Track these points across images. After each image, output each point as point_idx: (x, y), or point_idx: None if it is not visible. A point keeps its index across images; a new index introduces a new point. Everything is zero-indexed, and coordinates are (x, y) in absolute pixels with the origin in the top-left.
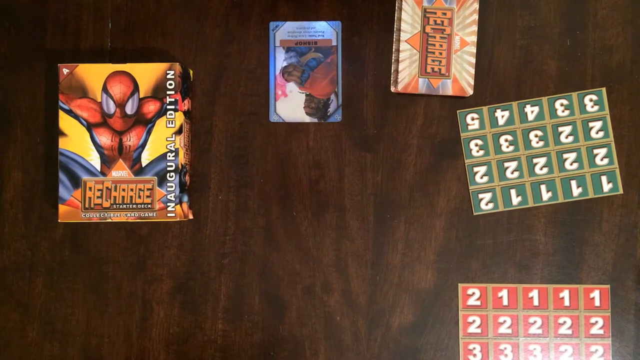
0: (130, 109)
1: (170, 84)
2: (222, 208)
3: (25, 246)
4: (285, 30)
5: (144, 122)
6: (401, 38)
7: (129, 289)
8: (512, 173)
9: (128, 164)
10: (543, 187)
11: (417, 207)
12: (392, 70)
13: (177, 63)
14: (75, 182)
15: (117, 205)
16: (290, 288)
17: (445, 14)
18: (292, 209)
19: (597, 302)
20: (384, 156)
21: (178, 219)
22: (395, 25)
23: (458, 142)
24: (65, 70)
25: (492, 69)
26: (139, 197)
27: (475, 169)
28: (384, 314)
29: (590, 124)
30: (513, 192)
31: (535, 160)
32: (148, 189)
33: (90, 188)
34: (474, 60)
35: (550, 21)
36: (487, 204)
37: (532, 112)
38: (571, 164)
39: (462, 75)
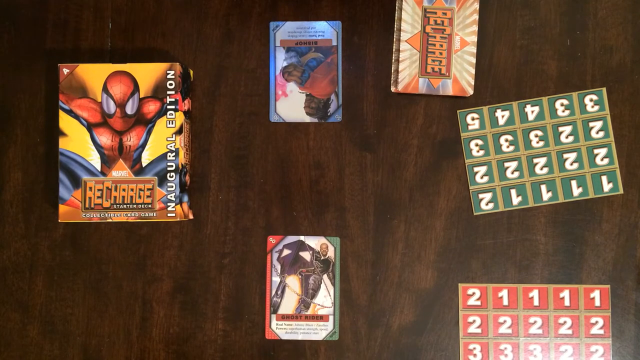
0: (130, 109)
1: (171, 84)
2: (222, 208)
3: (25, 246)
4: (285, 30)
5: (144, 122)
6: (401, 38)
7: (129, 289)
8: (512, 173)
9: (128, 164)
10: (543, 187)
11: (417, 207)
12: (392, 70)
13: (178, 63)
14: (76, 182)
15: (117, 205)
16: None
17: (445, 14)
18: (292, 209)
19: (597, 302)
20: (384, 156)
21: (178, 219)
22: (395, 25)
23: (458, 142)
24: (65, 70)
25: (492, 69)
26: (139, 197)
27: (476, 169)
28: (384, 314)
29: (591, 124)
30: (513, 192)
31: (535, 160)
32: (148, 189)
33: (90, 188)
34: (474, 60)
35: (550, 21)
36: (487, 204)
37: (532, 112)
38: (571, 164)
39: (462, 75)
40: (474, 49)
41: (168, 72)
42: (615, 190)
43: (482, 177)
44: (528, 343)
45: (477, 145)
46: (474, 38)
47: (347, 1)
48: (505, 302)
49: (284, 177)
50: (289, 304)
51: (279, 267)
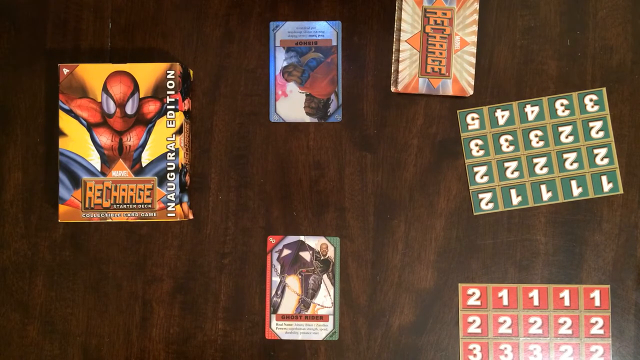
0: (130, 109)
1: (171, 84)
2: (222, 208)
3: (25, 246)
4: (285, 30)
5: (144, 122)
6: (401, 38)
7: (129, 289)
8: (512, 173)
9: (128, 164)
10: (543, 187)
11: (417, 207)
12: (392, 70)
13: (178, 63)
14: (76, 182)
15: (117, 205)
16: None
17: (445, 13)
18: (292, 209)
19: (597, 302)
20: (384, 156)
21: (178, 219)
22: (395, 25)
23: (458, 142)
24: (65, 70)
25: (492, 69)
26: (139, 197)
27: (476, 169)
28: (384, 314)
29: (591, 124)
30: (513, 192)
31: (535, 160)
32: (148, 189)
33: (90, 188)
34: (474, 60)
35: (550, 21)
36: (487, 204)
37: (532, 112)
38: (571, 164)
39: (462, 75)
40: (474, 49)
41: (168, 72)
42: (615, 190)
43: (482, 177)
44: (528, 343)
45: (477, 145)
46: (474, 38)
47: (347, 1)
48: (505, 302)
49: (284, 177)
50: (289, 304)
51: (279, 267)
